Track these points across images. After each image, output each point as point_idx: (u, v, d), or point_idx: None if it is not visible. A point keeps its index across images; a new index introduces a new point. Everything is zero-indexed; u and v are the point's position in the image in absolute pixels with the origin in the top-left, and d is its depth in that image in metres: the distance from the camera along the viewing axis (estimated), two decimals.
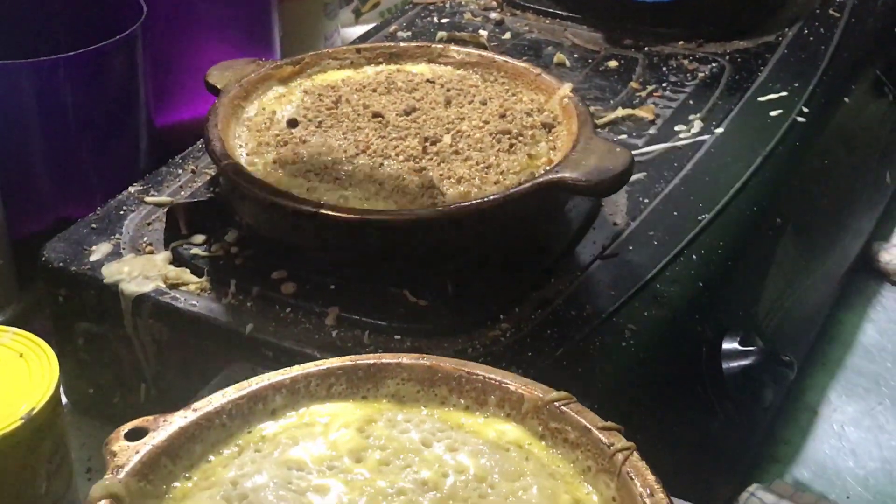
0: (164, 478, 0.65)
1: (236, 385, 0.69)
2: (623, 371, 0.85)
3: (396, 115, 0.98)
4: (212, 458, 0.66)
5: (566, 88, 1.01)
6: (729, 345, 0.91)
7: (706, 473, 0.90)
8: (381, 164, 0.92)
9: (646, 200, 1.02)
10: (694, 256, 0.95)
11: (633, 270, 0.93)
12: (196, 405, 0.68)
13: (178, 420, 0.67)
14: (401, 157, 0.93)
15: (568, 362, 0.84)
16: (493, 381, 0.69)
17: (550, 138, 0.97)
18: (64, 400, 0.99)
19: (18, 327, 0.87)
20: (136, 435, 0.66)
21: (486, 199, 0.87)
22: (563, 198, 0.92)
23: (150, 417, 0.67)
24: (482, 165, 0.92)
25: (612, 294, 0.90)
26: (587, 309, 0.89)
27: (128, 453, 0.64)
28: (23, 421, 0.78)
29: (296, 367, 0.71)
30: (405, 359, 0.71)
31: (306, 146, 0.94)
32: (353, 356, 0.72)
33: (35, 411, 0.79)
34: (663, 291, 0.91)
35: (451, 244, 0.89)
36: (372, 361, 0.71)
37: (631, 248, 0.96)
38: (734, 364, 0.90)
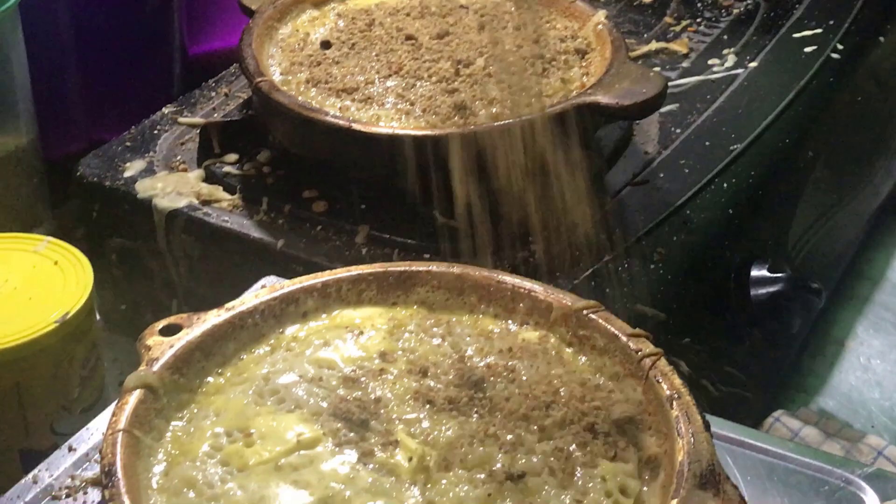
0: (198, 373, 0.65)
1: (269, 287, 0.70)
2: (651, 293, 0.85)
3: (429, 38, 0.98)
4: (244, 356, 0.67)
5: (600, 15, 1.00)
6: (758, 272, 0.91)
7: (732, 399, 0.91)
8: (414, 85, 0.92)
9: (678, 131, 1.02)
10: (724, 185, 0.95)
11: (663, 197, 0.93)
12: (229, 305, 0.69)
13: (212, 318, 0.67)
14: (433, 79, 0.93)
15: (596, 283, 0.84)
16: (522, 290, 0.70)
17: (584, 64, 0.97)
18: (97, 317, 1.01)
19: None
20: (170, 331, 0.67)
21: (518, 120, 0.87)
22: (596, 122, 0.92)
23: (184, 315, 0.68)
24: (515, 88, 0.92)
25: (642, 219, 0.91)
26: (616, 233, 0.89)
27: (162, 348, 0.65)
28: (57, 325, 0.79)
29: (327, 272, 0.72)
30: (435, 267, 0.71)
31: (339, 66, 0.94)
32: (383, 263, 0.73)
33: (69, 315, 0.80)
34: (693, 218, 0.91)
35: (482, 164, 0.89)
36: (402, 269, 0.71)
37: (661, 175, 0.96)
38: (762, 291, 0.90)
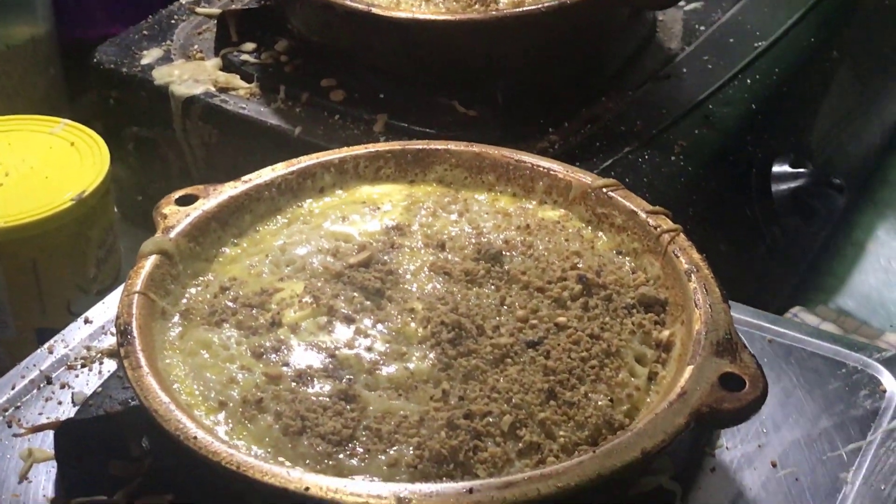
0: (214, 242, 0.65)
1: (286, 162, 0.70)
2: (672, 186, 0.85)
3: None
4: (260, 228, 0.67)
5: None
6: (780, 167, 0.90)
7: (751, 295, 0.90)
8: None
9: (702, 28, 1.00)
10: (748, 81, 0.94)
11: (685, 91, 0.92)
12: (246, 177, 0.68)
13: (229, 190, 0.67)
14: None
15: (616, 174, 0.83)
16: (541, 169, 0.69)
17: None
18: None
19: None
20: (186, 201, 0.66)
21: (539, 7, 0.85)
22: (619, 13, 0.90)
23: (201, 186, 0.68)
24: None
25: (664, 112, 0.90)
26: (637, 125, 0.88)
27: (178, 216, 0.65)
28: (73, 203, 0.79)
29: (345, 148, 0.71)
30: (453, 145, 0.71)
31: None
32: (402, 142, 0.72)
33: (85, 194, 0.80)
34: (715, 112, 0.90)
35: (503, 54, 0.87)
36: (421, 147, 0.71)
37: (685, 70, 0.95)
38: (784, 186, 0.89)
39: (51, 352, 0.69)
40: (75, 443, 0.60)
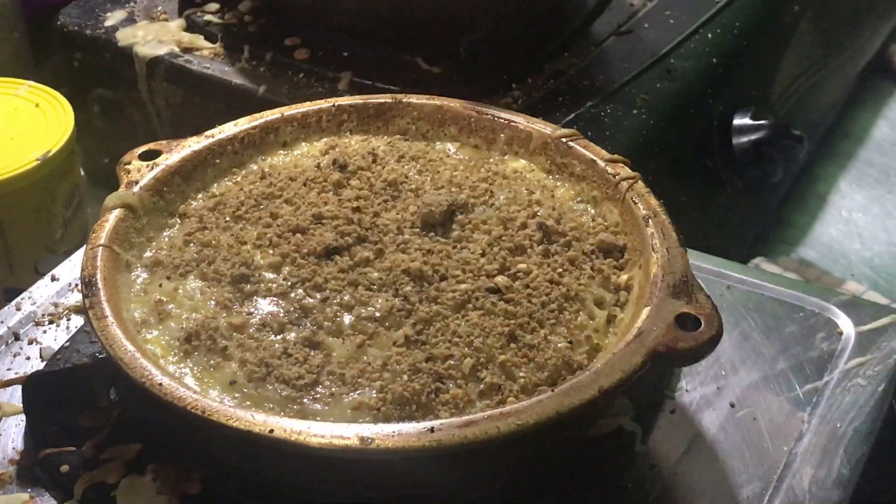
0: (177, 196, 0.66)
1: (249, 116, 0.70)
2: (634, 139, 0.86)
3: None
4: (225, 181, 0.67)
5: None
6: (740, 120, 0.91)
7: (712, 246, 0.91)
8: None
9: None
10: (709, 35, 0.94)
11: (647, 46, 0.93)
12: (209, 132, 0.69)
13: (192, 144, 0.67)
14: None
15: (578, 128, 0.83)
16: (502, 120, 0.70)
17: None
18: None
19: None
20: (150, 156, 0.67)
21: None
22: None
23: (164, 142, 0.68)
24: None
25: (626, 67, 0.91)
26: (600, 80, 0.89)
27: (142, 171, 0.65)
28: (38, 162, 0.79)
29: (307, 103, 0.71)
30: (415, 98, 0.71)
31: None
32: (365, 95, 0.73)
33: (51, 153, 0.80)
34: (677, 66, 0.91)
35: (464, 11, 0.88)
36: (382, 100, 0.71)
37: (646, 25, 0.95)
38: (744, 138, 0.90)
39: (18, 309, 0.69)
40: (43, 395, 0.60)
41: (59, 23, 0.96)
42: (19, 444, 0.61)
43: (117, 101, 0.96)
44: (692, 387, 0.64)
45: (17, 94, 0.85)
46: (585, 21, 0.95)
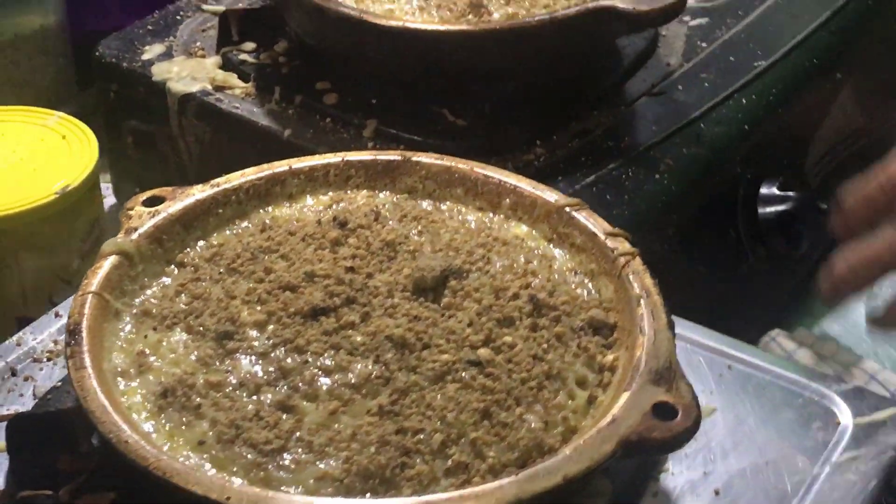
0: (176, 245, 0.66)
1: (257, 167, 0.71)
2: (654, 204, 0.85)
3: None
4: (226, 231, 0.68)
5: None
6: (767, 189, 0.89)
7: (731, 314, 0.90)
8: None
9: (703, 44, 1.00)
10: (744, 101, 0.93)
11: (678, 109, 0.92)
12: (216, 181, 0.69)
13: (197, 193, 0.68)
14: None
15: (598, 189, 0.84)
16: (507, 185, 0.69)
17: None
18: (113, 200, 1.03)
19: None
20: (153, 202, 0.67)
21: (531, 20, 0.86)
22: (614, 29, 0.90)
23: (170, 188, 0.69)
24: None
25: (654, 129, 0.90)
26: (625, 141, 0.88)
27: (143, 218, 0.66)
28: (57, 195, 0.80)
29: (317, 156, 0.72)
30: (424, 157, 0.71)
31: None
32: (374, 151, 0.73)
33: (70, 188, 0.81)
34: (706, 131, 0.90)
35: (494, 65, 0.88)
36: (391, 157, 0.71)
37: (680, 87, 0.94)
38: (770, 209, 0.89)
39: (19, 344, 0.70)
40: (26, 436, 0.61)
41: (97, 53, 0.98)
42: (1, 483, 0.62)
43: (150, 133, 0.97)
44: (678, 470, 0.63)
45: (45, 125, 0.87)
46: (619, 81, 0.94)
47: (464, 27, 0.86)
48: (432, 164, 0.71)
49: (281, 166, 0.71)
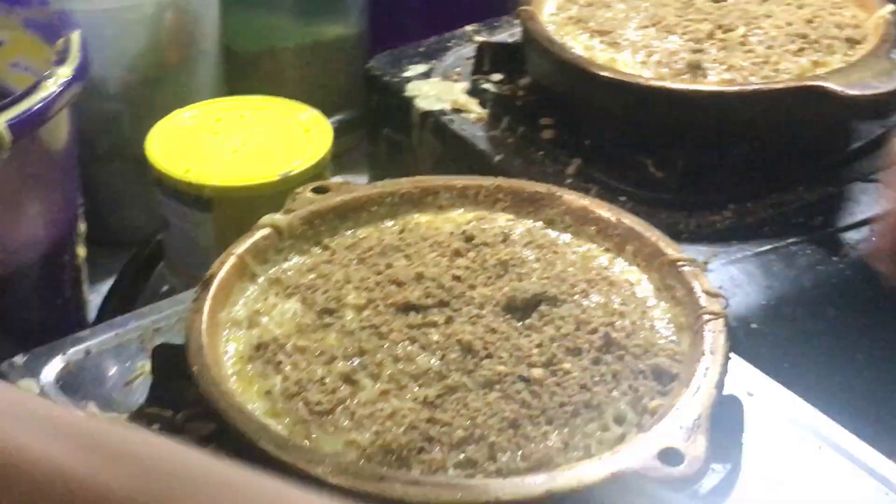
0: (327, 230, 0.75)
1: (417, 178, 0.78)
2: (819, 288, 0.84)
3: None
4: (373, 227, 0.76)
5: (888, 8, 0.98)
6: None
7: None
8: (665, 38, 0.96)
9: None
10: None
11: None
12: (381, 183, 0.78)
13: (359, 190, 0.77)
14: (686, 37, 0.96)
15: (768, 260, 0.85)
16: (635, 231, 0.73)
17: (849, 53, 0.95)
18: None
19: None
20: (320, 191, 0.77)
21: (737, 88, 0.88)
22: (825, 109, 0.90)
23: (340, 182, 0.78)
24: (761, 60, 0.93)
25: (851, 214, 0.89)
26: (817, 220, 0.88)
27: (305, 202, 0.76)
28: (279, 178, 0.92)
29: (474, 177, 0.79)
30: (567, 194, 0.76)
31: (607, 9, 1.00)
32: (525, 181, 0.79)
33: (290, 175, 0.92)
34: None
35: (702, 124, 0.91)
36: (537, 189, 0.77)
37: None
38: None
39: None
40: (166, 364, 0.72)
41: (368, 66, 1.09)
42: (142, 400, 0.73)
43: (399, 143, 1.07)
44: None
45: (297, 118, 0.99)
46: (837, 162, 0.94)
47: (667, 84, 0.90)
48: (573, 201, 0.76)
49: (438, 180, 0.78)
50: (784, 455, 0.69)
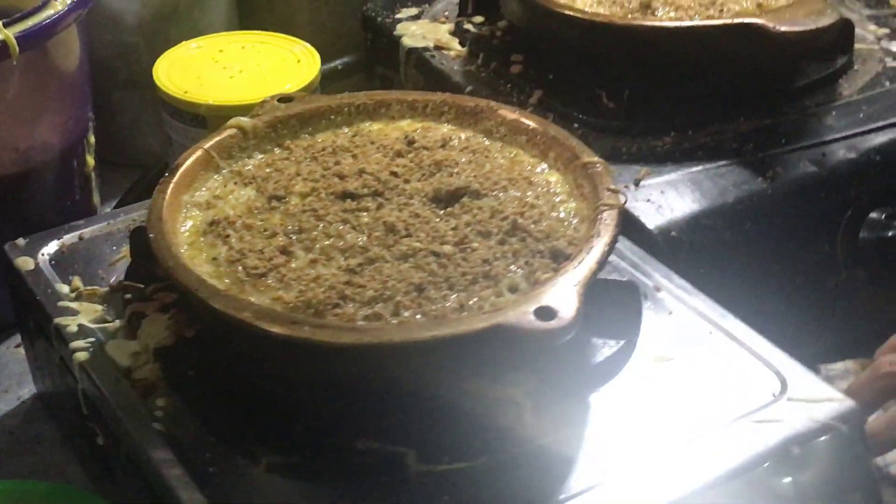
0: (289, 133, 0.85)
1: (372, 92, 0.88)
2: (743, 200, 0.92)
3: None
4: (332, 131, 0.86)
5: None
6: (875, 215, 0.94)
7: (821, 333, 0.95)
8: None
9: (887, 84, 1.04)
10: (889, 136, 0.98)
11: (818, 131, 0.98)
12: (341, 95, 0.88)
13: (320, 100, 0.87)
14: None
15: (697, 179, 0.93)
16: (558, 139, 0.82)
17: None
18: None
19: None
20: (285, 101, 0.87)
21: (679, 25, 0.97)
22: (759, 48, 0.96)
23: (305, 94, 0.88)
24: (707, 1, 1.01)
25: (782, 142, 0.97)
26: (749, 147, 0.96)
27: (271, 109, 0.86)
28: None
29: (425, 92, 0.88)
30: (502, 109, 0.85)
31: None
32: (471, 97, 0.88)
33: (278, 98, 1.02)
34: (833, 155, 0.95)
35: (649, 59, 0.99)
36: (476, 103, 0.86)
37: (835, 113, 1.00)
38: (872, 234, 0.93)
39: None
40: (141, 244, 0.82)
41: (365, 8, 1.19)
42: (122, 276, 0.84)
43: (390, 78, 1.17)
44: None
45: (291, 50, 1.09)
46: (780, 99, 1.02)
47: (614, 20, 0.98)
48: (506, 115, 0.85)
49: (392, 94, 0.88)
50: (677, 337, 0.78)
